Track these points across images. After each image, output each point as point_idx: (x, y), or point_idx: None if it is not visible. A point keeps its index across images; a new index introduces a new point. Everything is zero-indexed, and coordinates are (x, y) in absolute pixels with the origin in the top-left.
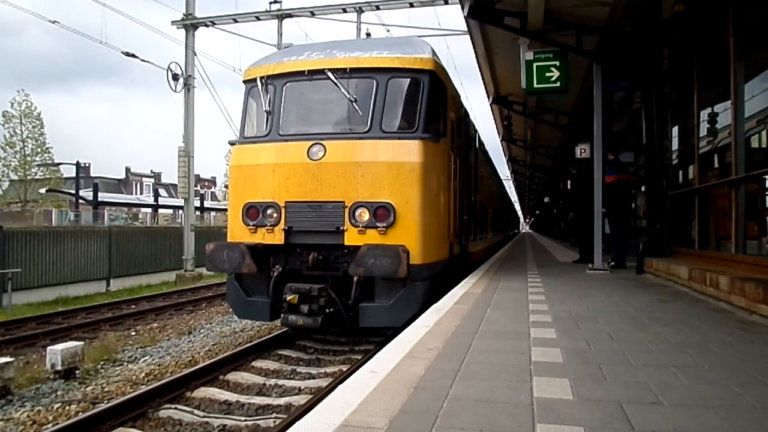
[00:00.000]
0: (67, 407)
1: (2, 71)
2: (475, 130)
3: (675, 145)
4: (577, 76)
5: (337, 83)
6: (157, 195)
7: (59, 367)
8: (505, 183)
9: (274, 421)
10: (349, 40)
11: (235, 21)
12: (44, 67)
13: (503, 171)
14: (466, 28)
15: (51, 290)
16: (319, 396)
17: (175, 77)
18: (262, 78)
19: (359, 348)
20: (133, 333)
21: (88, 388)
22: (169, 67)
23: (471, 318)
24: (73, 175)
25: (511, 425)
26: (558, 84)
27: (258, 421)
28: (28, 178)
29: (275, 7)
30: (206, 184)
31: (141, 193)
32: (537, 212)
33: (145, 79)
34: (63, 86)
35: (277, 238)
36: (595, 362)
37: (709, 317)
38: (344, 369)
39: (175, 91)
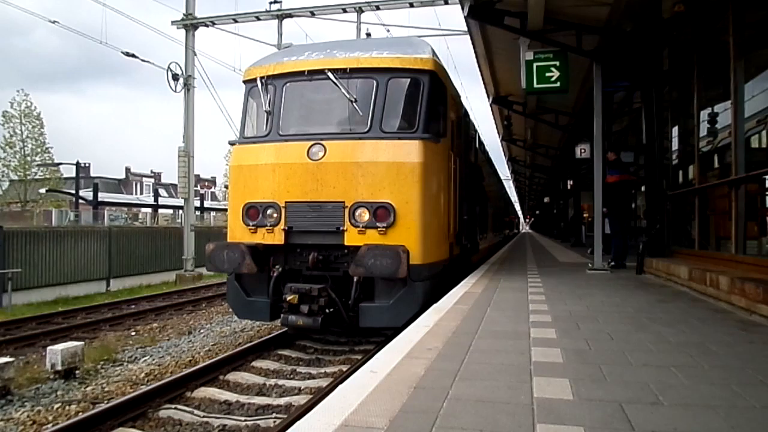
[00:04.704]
0: (67, 407)
1: (10, 71)
2: (475, 130)
3: (675, 145)
4: (577, 76)
5: (337, 83)
6: (157, 195)
7: (59, 367)
8: (505, 183)
9: (274, 421)
10: (349, 40)
11: (235, 21)
12: (52, 67)
13: (503, 171)
14: (466, 28)
15: (51, 290)
16: (319, 396)
17: (175, 77)
18: (262, 78)
19: (359, 348)
20: (133, 333)
21: (88, 388)
22: (169, 67)
23: (471, 318)
24: (73, 175)
25: (511, 425)
26: (558, 84)
27: (258, 421)
28: (28, 178)
29: (275, 7)
30: (206, 184)
31: (141, 193)
32: (537, 212)
33: (151, 79)
34: (70, 86)
35: (277, 238)
36: (595, 362)
37: (709, 317)
38: (344, 369)
39: (175, 91)
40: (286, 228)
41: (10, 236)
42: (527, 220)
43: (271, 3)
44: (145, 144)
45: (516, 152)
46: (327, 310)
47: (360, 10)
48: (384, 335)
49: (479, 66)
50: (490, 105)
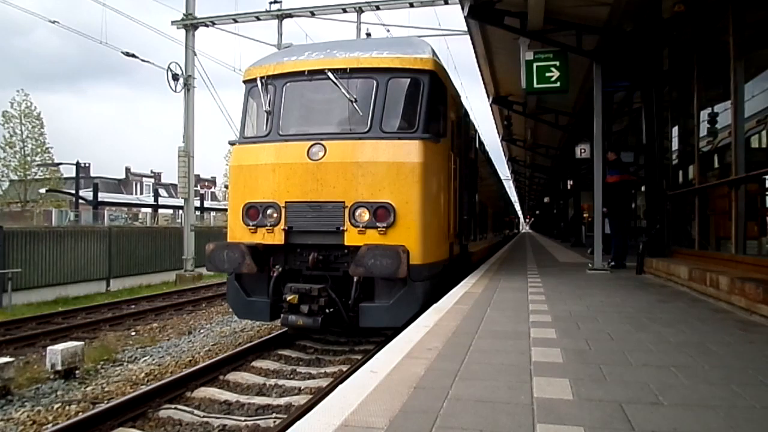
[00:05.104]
0: (67, 407)
1: (11, 71)
2: (475, 130)
3: (675, 145)
4: (577, 76)
5: (337, 83)
6: (157, 195)
7: (59, 367)
8: (505, 183)
9: (274, 421)
10: (349, 40)
11: (235, 21)
12: (52, 67)
13: (503, 171)
14: (466, 28)
15: (51, 290)
16: (319, 396)
17: (175, 77)
18: (262, 78)
19: (359, 348)
20: (133, 333)
21: (88, 388)
22: (169, 67)
23: (471, 318)
24: (73, 175)
25: (511, 425)
26: (558, 84)
27: (258, 421)
28: (28, 178)
29: (275, 7)
30: (206, 184)
31: (141, 193)
32: (537, 212)
33: (151, 79)
34: (70, 86)
35: (277, 238)
36: (595, 362)
37: (709, 317)
38: (344, 369)
39: (175, 91)
40: (286, 228)
41: (10, 236)
42: (527, 220)
43: (271, 3)
44: (145, 144)
45: (516, 152)
46: (327, 310)
47: (360, 10)
48: (384, 335)
49: (479, 66)
50: (490, 105)
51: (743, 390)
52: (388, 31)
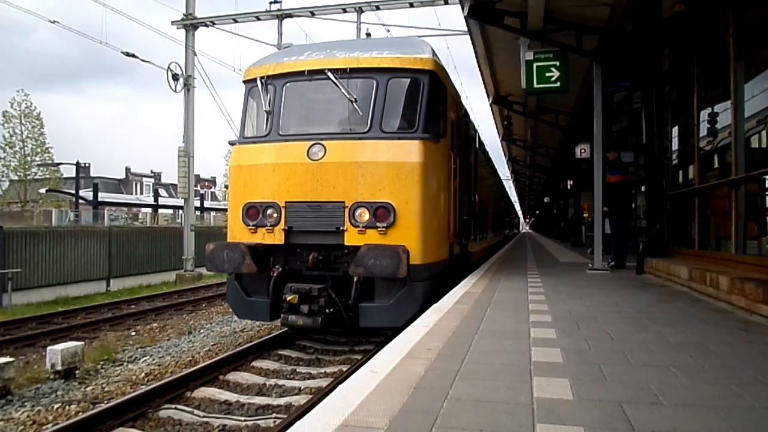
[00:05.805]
0: (67, 407)
1: (12, 71)
2: (475, 130)
3: (675, 145)
4: (577, 76)
5: (337, 83)
6: (157, 195)
7: (59, 367)
8: (505, 183)
9: (274, 421)
10: (349, 40)
11: (235, 21)
12: (53, 67)
13: (503, 171)
14: (466, 28)
15: (51, 290)
16: (319, 396)
17: (175, 77)
18: (262, 78)
19: (359, 348)
20: (133, 333)
21: (88, 388)
22: (169, 67)
23: (471, 318)
24: (73, 175)
25: (511, 425)
26: (558, 84)
27: (258, 421)
28: (28, 178)
29: (275, 7)
30: (206, 184)
31: (141, 193)
32: (537, 212)
33: (152, 79)
34: (70, 86)
35: (277, 238)
36: (595, 362)
37: (709, 317)
38: (344, 369)
39: (175, 91)
40: (286, 228)
41: (10, 236)
42: (527, 220)
43: (271, 3)
44: (145, 144)
45: (516, 152)
46: (327, 310)
47: (360, 10)
48: (384, 335)
49: (479, 66)
50: (490, 105)
51: (743, 390)
52: (388, 31)
